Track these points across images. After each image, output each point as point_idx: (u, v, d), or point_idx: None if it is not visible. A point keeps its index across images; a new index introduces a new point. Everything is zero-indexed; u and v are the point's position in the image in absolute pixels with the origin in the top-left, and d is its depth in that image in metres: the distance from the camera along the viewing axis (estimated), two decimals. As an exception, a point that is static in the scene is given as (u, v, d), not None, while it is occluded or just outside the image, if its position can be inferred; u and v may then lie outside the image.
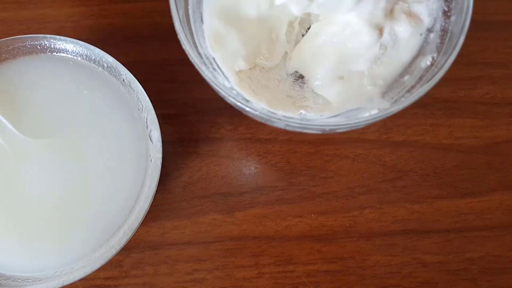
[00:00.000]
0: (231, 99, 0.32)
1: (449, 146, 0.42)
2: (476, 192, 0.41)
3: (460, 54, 0.43)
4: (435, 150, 0.42)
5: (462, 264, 0.39)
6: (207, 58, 0.36)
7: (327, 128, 0.32)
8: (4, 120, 0.35)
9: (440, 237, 0.39)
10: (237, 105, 0.32)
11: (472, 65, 0.43)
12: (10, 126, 0.35)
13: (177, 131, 0.42)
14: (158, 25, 0.44)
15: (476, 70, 0.43)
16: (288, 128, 0.33)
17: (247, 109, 0.32)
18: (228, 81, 0.36)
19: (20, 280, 0.34)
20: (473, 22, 0.45)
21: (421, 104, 0.42)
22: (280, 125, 0.33)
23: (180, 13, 0.34)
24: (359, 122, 0.31)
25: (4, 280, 0.34)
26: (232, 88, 0.36)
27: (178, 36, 0.33)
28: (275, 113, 0.33)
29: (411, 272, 0.39)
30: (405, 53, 0.37)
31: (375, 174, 0.41)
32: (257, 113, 0.32)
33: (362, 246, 0.39)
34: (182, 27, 0.33)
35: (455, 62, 0.43)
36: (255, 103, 0.36)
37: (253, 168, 0.41)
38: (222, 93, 0.32)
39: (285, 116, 0.33)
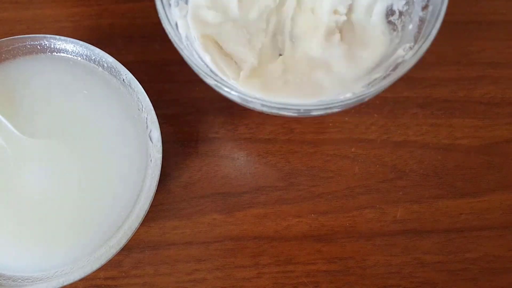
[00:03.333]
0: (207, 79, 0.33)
1: (449, 146, 0.42)
2: (476, 192, 0.41)
3: (460, 54, 0.44)
4: (435, 150, 0.42)
5: (462, 264, 0.39)
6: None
7: (302, 108, 0.33)
8: (4, 120, 0.35)
9: (440, 237, 0.39)
10: (210, 83, 0.33)
11: (472, 65, 0.43)
12: (10, 126, 0.35)
13: (177, 131, 0.42)
14: (158, 25, 0.44)
15: (476, 70, 0.43)
16: (264, 109, 0.33)
17: (225, 88, 0.33)
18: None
19: (20, 280, 0.34)
20: (473, 22, 0.45)
21: (421, 104, 0.42)
22: (256, 105, 0.33)
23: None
24: (333, 103, 0.32)
25: (4, 280, 0.34)
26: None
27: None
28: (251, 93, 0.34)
29: (411, 272, 0.39)
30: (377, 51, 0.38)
31: (375, 174, 0.41)
32: (232, 92, 0.33)
33: (362, 246, 0.39)
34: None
35: (455, 62, 0.44)
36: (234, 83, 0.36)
37: (253, 168, 0.41)
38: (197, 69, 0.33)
39: (263, 98, 0.33)
